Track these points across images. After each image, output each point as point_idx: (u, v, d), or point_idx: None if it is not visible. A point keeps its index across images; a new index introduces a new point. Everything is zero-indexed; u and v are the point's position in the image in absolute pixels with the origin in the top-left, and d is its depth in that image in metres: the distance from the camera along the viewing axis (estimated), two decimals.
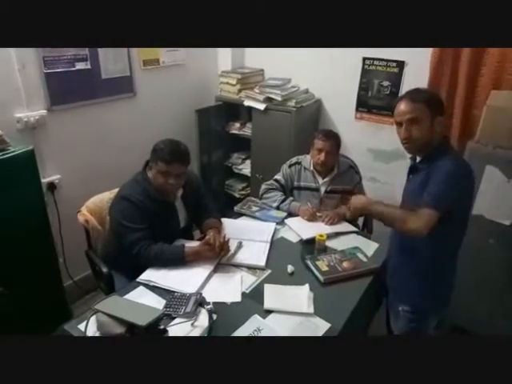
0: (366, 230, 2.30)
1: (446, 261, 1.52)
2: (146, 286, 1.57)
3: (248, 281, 1.63)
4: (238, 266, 1.72)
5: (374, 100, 2.67)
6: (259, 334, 1.34)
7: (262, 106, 2.74)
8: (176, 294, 1.50)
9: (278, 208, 2.19)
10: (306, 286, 1.57)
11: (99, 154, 2.45)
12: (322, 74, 2.81)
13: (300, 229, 2.01)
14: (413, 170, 1.54)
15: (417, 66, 2.38)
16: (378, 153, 2.75)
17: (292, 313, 1.44)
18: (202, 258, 1.70)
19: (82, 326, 1.32)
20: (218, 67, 3.07)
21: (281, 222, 2.08)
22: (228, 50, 2.98)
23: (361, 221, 2.36)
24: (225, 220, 2.04)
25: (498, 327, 2.10)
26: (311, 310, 1.45)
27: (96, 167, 2.43)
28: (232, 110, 3.10)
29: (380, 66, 2.57)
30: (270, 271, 1.70)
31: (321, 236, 1.83)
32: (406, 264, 1.56)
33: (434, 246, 1.44)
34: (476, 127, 2.06)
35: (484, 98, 2.10)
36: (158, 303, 1.46)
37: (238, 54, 3.08)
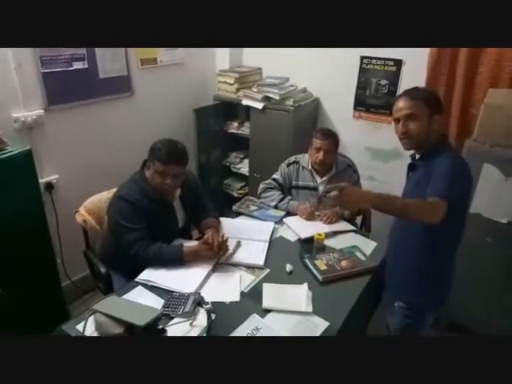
0: (364, 229, 2.30)
1: (445, 259, 1.52)
2: (145, 285, 1.57)
3: (247, 280, 1.63)
4: (237, 265, 1.72)
5: (371, 99, 2.67)
6: (258, 333, 1.34)
7: (259, 105, 2.74)
8: (174, 293, 1.50)
9: (276, 207, 2.19)
10: (305, 285, 1.58)
11: (97, 153, 2.44)
12: (320, 72, 2.81)
13: (298, 228, 2.01)
14: (412, 167, 1.55)
15: (414, 64, 2.38)
16: (376, 152, 2.75)
17: (291, 312, 1.44)
18: (200, 258, 1.69)
19: (80, 327, 1.32)
20: (216, 66, 3.06)
21: (279, 221, 2.08)
22: (226, 49, 2.98)
23: (359, 220, 2.36)
24: (223, 219, 2.04)
25: (495, 325, 2.11)
26: (310, 309, 1.45)
27: (94, 167, 2.43)
28: (230, 109, 3.09)
29: (378, 64, 2.57)
30: (268, 270, 1.70)
31: (319, 235, 1.83)
32: (404, 262, 1.56)
33: (432, 244, 1.45)
34: (474, 125, 2.07)
35: (481, 97, 2.11)
36: (156, 303, 1.46)
37: (236, 53, 3.07)
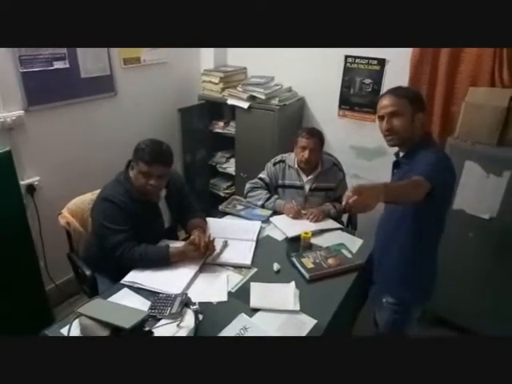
0: (350, 227, 2.32)
1: (430, 253, 1.56)
2: (131, 287, 1.55)
3: (234, 280, 1.62)
4: (224, 265, 1.72)
5: (356, 97, 2.69)
6: (246, 333, 1.33)
7: (245, 105, 2.73)
8: (161, 295, 1.49)
9: (262, 206, 2.19)
10: (292, 284, 1.58)
11: (80, 154, 2.40)
12: (304, 72, 2.82)
13: (285, 227, 2.01)
14: (396, 165, 1.58)
15: (398, 63, 2.41)
16: (360, 150, 2.78)
17: (278, 310, 1.44)
18: (187, 258, 1.68)
19: (64, 331, 1.29)
20: (201, 66, 3.04)
21: (266, 221, 2.08)
22: (210, 48, 2.96)
23: (345, 217, 2.38)
24: (210, 219, 2.02)
25: (478, 319, 2.16)
26: (297, 307, 1.46)
27: (77, 168, 2.38)
28: (215, 109, 3.08)
29: (362, 63, 2.59)
30: (255, 270, 1.70)
31: (306, 233, 1.84)
32: (391, 257, 1.59)
33: (419, 237, 1.48)
34: (455, 124, 2.11)
35: (462, 95, 2.15)
36: (142, 305, 1.44)
37: (221, 53, 3.06)
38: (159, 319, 1.37)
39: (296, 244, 1.87)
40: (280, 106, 2.66)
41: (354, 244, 1.89)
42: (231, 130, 3.00)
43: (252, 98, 2.74)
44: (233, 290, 1.56)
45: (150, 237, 1.74)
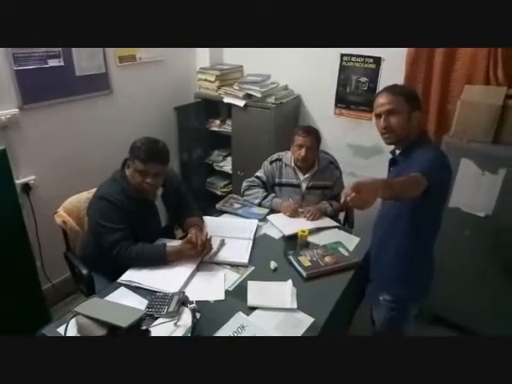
0: (347, 225, 2.33)
1: (427, 250, 1.56)
2: (128, 286, 1.55)
3: (231, 278, 1.63)
4: (221, 263, 1.72)
5: (352, 96, 2.69)
6: (243, 332, 1.33)
7: (241, 103, 2.73)
8: (158, 293, 1.48)
9: (259, 205, 2.19)
10: (289, 282, 1.58)
11: (76, 153, 2.39)
12: (300, 70, 2.82)
13: (282, 225, 2.01)
14: (393, 162, 1.58)
15: (393, 62, 2.42)
16: (357, 148, 2.78)
17: (276, 309, 1.45)
18: (184, 257, 1.68)
19: (61, 330, 1.29)
20: (197, 64, 3.03)
21: (263, 219, 2.09)
22: None
23: (342, 216, 2.38)
24: (206, 218, 2.02)
25: (475, 317, 2.17)
26: (294, 306, 1.46)
27: (73, 167, 2.37)
28: (211, 107, 3.07)
29: (357, 62, 2.60)
30: (253, 268, 1.70)
31: (303, 232, 1.84)
32: (388, 254, 1.59)
33: (416, 234, 1.49)
34: (451, 121, 2.11)
35: (458, 93, 2.15)
36: (140, 304, 1.44)
37: (217, 51, 3.05)
38: (156, 318, 1.37)
39: (293, 242, 1.87)
40: (276, 105, 2.66)
41: (350, 242, 1.89)
42: (228, 128, 2.99)
43: (248, 97, 2.73)
44: (230, 289, 1.56)
45: (146, 235, 1.73)
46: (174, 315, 1.37)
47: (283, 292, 1.53)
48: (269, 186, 2.29)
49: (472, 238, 2.08)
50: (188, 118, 2.93)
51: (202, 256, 1.71)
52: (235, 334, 1.32)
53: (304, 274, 1.63)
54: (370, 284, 1.74)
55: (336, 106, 2.77)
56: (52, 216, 1.90)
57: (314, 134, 2.14)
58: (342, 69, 2.66)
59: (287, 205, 2.12)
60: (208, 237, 1.74)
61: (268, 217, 2.10)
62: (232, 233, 1.91)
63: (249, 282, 1.58)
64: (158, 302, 1.43)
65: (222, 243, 1.83)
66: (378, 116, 1.48)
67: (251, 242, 1.86)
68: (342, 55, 2.62)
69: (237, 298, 1.51)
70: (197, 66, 3.02)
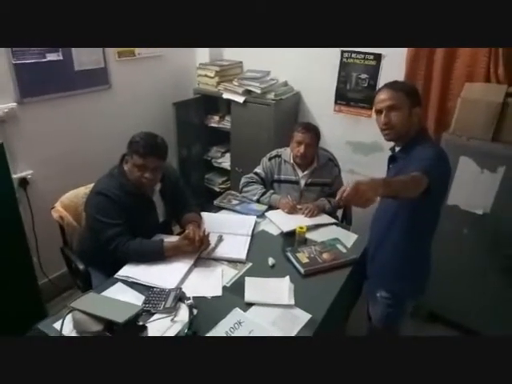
0: (345, 222, 2.32)
1: (424, 246, 1.56)
2: (125, 282, 1.54)
3: (229, 274, 1.62)
4: (219, 259, 1.71)
5: (352, 93, 2.68)
6: (240, 328, 1.33)
7: (240, 99, 2.72)
8: (155, 289, 1.48)
9: (258, 201, 2.19)
10: (287, 278, 1.58)
11: (73, 147, 2.38)
12: (300, 66, 2.80)
13: (280, 221, 2.01)
14: (392, 159, 1.57)
15: (394, 59, 2.40)
16: (356, 145, 2.77)
17: (273, 305, 1.44)
18: (181, 253, 1.68)
19: (57, 325, 1.28)
20: (196, 59, 3.02)
21: (261, 215, 2.08)
22: None
23: (340, 213, 2.38)
24: (204, 214, 2.02)
25: (472, 315, 2.17)
26: (292, 302, 1.46)
27: (70, 162, 2.36)
28: (210, 103, 3.06)
29: (358, 58, 2.58)
30: (250, 264, 1.69)
31: (301, 228, 1.84)
32: (383, 251, 1.59)
33: (413, 231, 1.49)
34: (451, 119, 2.11)
35: (458, 91, 2.14)
36: (136, 299, 1.43)
37: None
38: (153, 314, 1.37)
39: (291, 239, 1.87)
40: (276, 101, 2.65)
41: (348, 239, 1.89)
42: (227, 124, 2.98)
43: (248, 93, 2.72)
44: (227, 285, 1.56)
45: (144, 231, 1.73)
46: (171, 311, 1.37)
47: (281, 288, 1.52)
48: (267, 183, 2.28)
49: (470, 235, 2.08)
50: (187, 114, 2.92)
51: (200, 252, 1.70)
52: (232, 330, 1.32)
53: (302, 270, 1.63)
54: (367, 280, 1.74)
55: (336, 102, 2.76)
56: (49, 211, 1.90)
57: (313, 131, 2.13)
58: (343, 65, 2.65)
59: (285, 201, 2.11)
60: (206, 233, 1.73)
61: (266, 213, 2.09)
62: (230, 229, 1.91)
63: (246, 278, 1.57)
64: (154, 298, 1.42)
65: (220, 239, 1.82)
66: (379, 112, 1.47)
67: (249, 239, 1.85)
68: (343, 52, 2.61)
69: (234, 294, 1.50)
70: (196, 61, 3.00)
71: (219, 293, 1.51)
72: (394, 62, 2.39)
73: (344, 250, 1.77)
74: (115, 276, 1.57)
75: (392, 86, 1.47)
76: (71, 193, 1.96)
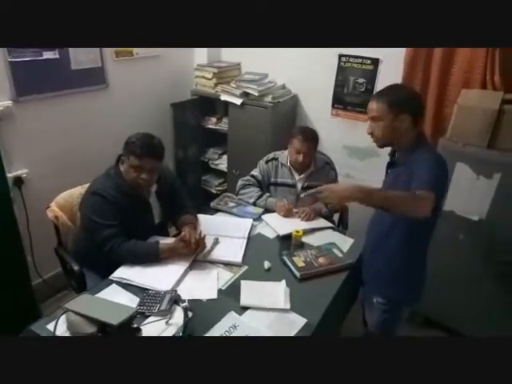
0: (341, 226, 2.33)
1: (420, 253, 1.56)
2: (119, 283, 1.53)
3: (224, 277, 1.61)
4: (214, 262, 1.71)
5: (349, 97, 2.69)
6: (235, 331, 1.33)
7: (238, 101, 2.71)
8: (150, 291, 1.47)
9: (254, 204, 2.18)
10: (283, 282, 1.58)
11: (69, 147, 2.36)
12: (298, 69, 2.81)
13: (277, 225, 2.00)
14: (391, 165, 1.58)
15: (391, 63, 2.41)
16: (353, 149, 2.78)
17: (268, 309, 1.44)
18: (177, 255, 1.67)
19: (50, 326, 1.27)
20: (194, 60, 3.01)
21: (258, 218, 2.08)
22: None
23: (336, 217, 2.38)
24: (201, 216, 2.01)
25: (468, 321, 2.18)
26: (288, 306, 1.45)
27: (66, 161, 2.34)
28: (208, 105, 3.06)
29: (355, 63, 2.59)
30: (246, 267, 1.69)
31: (297, 232, 1.84)
32: (382, 256, 1.59)
33: (410, 238, 1.49)
34: (447, 125, 2.12)
35: (455, 97, 2.16)
36: (131, 301, 1.42)
37: (215, 48, 3.03)
38: (148, 316, 1.36)
39: (287, 242, 1.87)
40: (273, 103, 2.65)
41: (344, 243, 1.89)
42: (224, 126, 2.98)
43: (245, 95, 2.72)
44: (223, 288, 1.55)
45: (139, 232, 1.72)
46: (166, 314, 1.36)
47: (276, 292, 1.52)
48: (264, 186, 2.28)
49: (466, 241, 2.09)
50: (184, 115, 2.91)
51: (196, 254, 1.69)
52: (227, 334, 1.31)
53: (298, 274, 1.63)
54: (363, 286, 1.74)
55: (333, 106, 2.77)
56: (44, 210, 1.88)
57: (312, 140, 2.12)
58: (340, 69, 2.66)
59: (281, 204, 2.11)
60: (202, 235, 1.72)
61: (263, 216, 2.09)
62: (226, 231, 1.90)
63: (242, 282, 1.57)
64: (149, 300, 1.41)
65: (216, 242, 1.81)
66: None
67: (245, 241, 1.85)
68: (340, 56, 2.62)
69: (229, 297, 1.50)
70: (194, 62, 3.00)
71: (214, 296, 1.50)
72: (392, 67, 2.40)
73: (340, 255, 1.77)
74: (110, 277, 1.56)
75: (378, 96, 1.48)
76: (66, 192, 1.95)
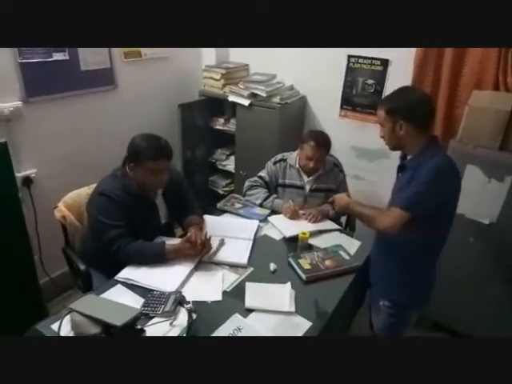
0: (348, 228, 2.30)
1: (428, 258, 1.54)
2: (125, 284, 1.53)
3: (229, 279, 1.60)
4: (220, 263, 1.70)
5: (358, 98, 2.66)
6: (239, 334, 1.31)
7: (246, 102, 2.71)
8: (155, 292, 1.47)
9: (261, 205, 2.17)
10: (288, 285, 1.56)
11: (78, 148, 2.38)
12: (307, 70, 2.79)
13: (283, 226, 1.99)
14: (401, 168, 1.55)
15: (401, 64, 2.39)
16: (361, 151, 2.75)
17: (273, 311, 1.42)
18: (182, 256, 1.66)
19: (55, 326, 1.27)
20: (202, 61, 3.02)
21: (264, 220, 2.06)
22: None
23: (343, 219, 2.36)
24: (207, 217, 2.00)
25: (478, 325, 2.13)
26: (293, 309, 1.44)
27: (74, 161, 2.36)
28: (216, 106, 3.05)
29: (365, 64, 2.57)
30: (252, 269, 1.68)
31: (304, 234, 1.82)
32: (386, 260, 1.57)
33: (414, 243, 1.46)
34: (458, 126, 2.08)
35: (466, 98, 2.12)
36: (136, 302, 1.42)
37: (223, 49, 3.03)
38: (152, 317, 1.35)
39: (293, 244, 1.85)
40: (281, 104, 2.64)
41: (351, 246, 1.87)
42: (231, 127, 2.97)
43: (253, 96, 2.71)
44: (228, 290, 1.54)
45: (146, 233, 1.72)
46: (170, 315, 1.36)
47: (281, 295, 1.51)
48: (272, 187, 2.26)
49: (476, 245, 2.05)
50: (192, 116, 2.92)
51: (201, 255, 1.69)
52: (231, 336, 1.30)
53: (303, 276, 1.61)
54: (370, 289, 1.72)
55: (342, 107, 2.74)
56: (52, 210, 1.89)
57: (325, 146, 2.10)
58: (349, 70, 2.63)
59: (287, 206, 2.09)
60: (207, 236, 1.72)
61: (269, 218, 2.08)
62: (232, 233, 1.89)
63: (247, 284, 1.56)
64: (154, 301, 1.41)
65: (222, 243, 1.81)
66: None
67: (251, 243, 1.84)
68: (349, 56, 2.59)
69: (234, 299, 1.49)
70: (202, 63, 3.00)
71: (219, 297, 1.49)
72: (401, 68, 2.37)
73: (347, 257, 1.75)
74: (115, 278, 1.56)
75: (382, 101, 1.51)
76: (74, 192, 1.96)
